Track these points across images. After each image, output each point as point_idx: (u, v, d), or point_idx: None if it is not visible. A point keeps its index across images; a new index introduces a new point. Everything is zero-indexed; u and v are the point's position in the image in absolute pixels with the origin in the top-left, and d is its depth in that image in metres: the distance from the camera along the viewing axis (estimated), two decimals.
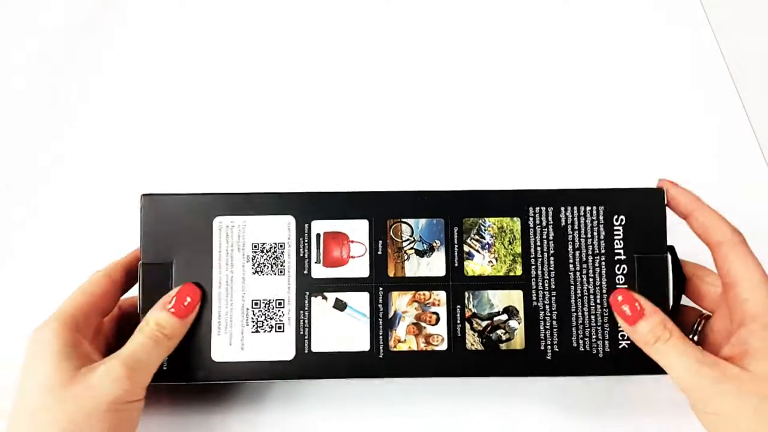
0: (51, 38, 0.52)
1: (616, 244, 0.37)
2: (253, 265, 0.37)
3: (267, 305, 0.37)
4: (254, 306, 0.37)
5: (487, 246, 0.37)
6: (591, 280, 0.37)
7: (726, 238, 0.35)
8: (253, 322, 0.37)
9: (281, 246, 0.37)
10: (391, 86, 0.51)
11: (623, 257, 0.37)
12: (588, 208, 0.37)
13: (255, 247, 0.37)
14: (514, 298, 0.37)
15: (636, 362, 0.36)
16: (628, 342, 0.36)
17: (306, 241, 0.37)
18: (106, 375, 0.32)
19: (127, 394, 0.32)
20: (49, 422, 0.31)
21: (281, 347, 0.36)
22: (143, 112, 0.50)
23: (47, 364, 0.32)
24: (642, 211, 0.37)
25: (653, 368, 0.36)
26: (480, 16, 0.53)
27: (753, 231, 0.44)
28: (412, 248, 0.37)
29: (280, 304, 0.37)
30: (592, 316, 0.37)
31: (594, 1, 0.52)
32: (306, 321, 0.37)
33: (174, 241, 0.37)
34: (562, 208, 0.37)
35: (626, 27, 0.51)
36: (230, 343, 0.36)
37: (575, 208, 0.37)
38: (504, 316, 0.37)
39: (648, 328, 0.33)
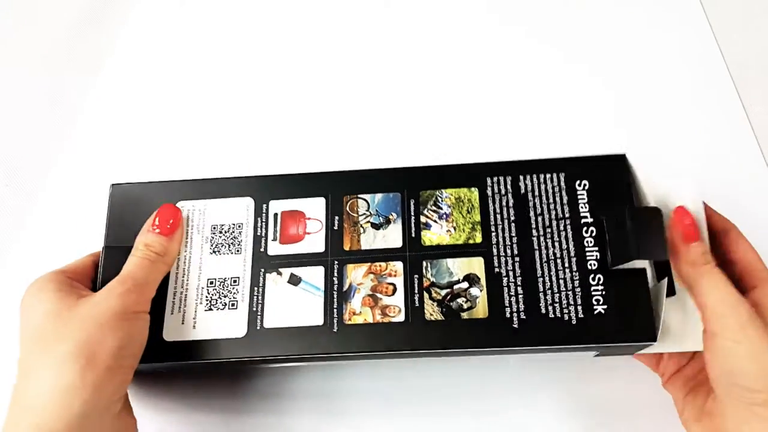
0: (51, 37, 0.53)
1: (581, 207, 0.35)
2: (211, 245, 0.37)
3: (222, 283, 0.36)
4: (209, 285, 0.36)
5: (444, 216, 0.36)
6: (557, 243, 0.35)
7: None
8: (206, 300, 0.36)
9: (239, 226, 0.37)
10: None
11: (590, 220, 0.35)
12: (548, 176, 0.36)
13: (214, 228, 0.37)
14: (475, 265, 0.35)
15: (613, 329, 0.33)
16: (605, 307, 0.33)
17: (264, 220, 0.37)
18: (109, 292, 0.33)
19: (134, 305, 0.33)
20: (62, 339, 0.31)
21: (233, 324, 0.35)
22: (140, 111, 0.51)
23: (49, 295, 0.33)
24: (606, 177, 0.36)
25: (632, 335, 0.32)
26: None
27: (752, 231, 0.42)
28: (368, 222, 0.37)
29: (235, 281, 0.36)
30: (561, 281, 0.34)
31: (594, 0, 0.52)
32: (260, 297, 0.35)
33: (137, 226, 0.38)
34: (521, 177, 0.36)
35: (626, 26, 0.51)
36: (182, 322, 0.35)
37: (535, 176, 0.36)
38: (465, 284, 0.34)
39: (702, 250, 0.32)
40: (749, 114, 0.46)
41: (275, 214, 0.37)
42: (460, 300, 0.34)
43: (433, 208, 0.36)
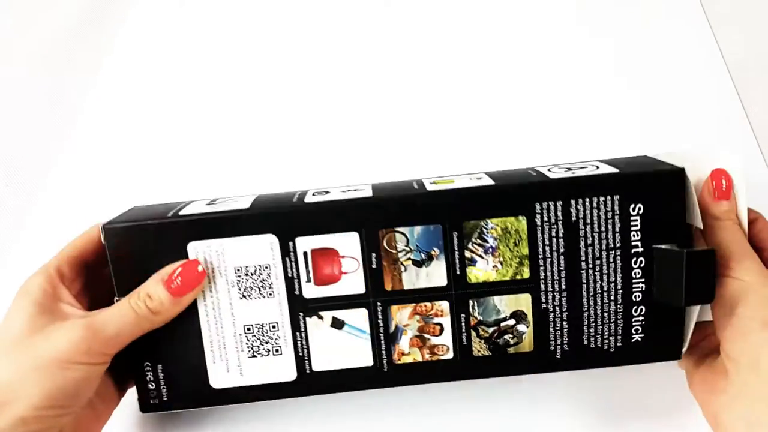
0: (51, 37, 0.51)
1: (633, 235, 0.34)
2: (239, 289, 0.34)
3: (260, 329, 0.35)
4: (247, 331, 0.35)
5: (490, 250, 0.34)
6: (605, 276, 0.34)
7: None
8: (248, 347, 0.35)
9: (266, 267, 0.34)
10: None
11: (640, 250, 0.34)
12: (602, 199, 0.33)
13: (238, 271, 0.34)
14: (522, 301, 0.34)
15: (645, 353, 0.35)
16: (642, 336, 0.35)
17: (293, 260, 0.34)
18: (65, 333, 0.31)
19: (82, 356, 0.31)
20: (2, 369, 0.31)
21: (282, 369, 0.35)
22: (140, 110, 0.49)
23: (22, 315, 0.32)
24: (661, 197, 0.33)
25: (660, 357, 0.35)
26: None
27: None
28: (408, 259, 0.34)
29: (273, 327, 0.35)
30: (605, 314, 0.34)
31: (592, 1, 0.50)
32: (304, 342, 0.35)
33: (149, 271, 0.34)
34: (573, 202, 0.33)
35: (625, 27, 0.49)
36: (228, 370, 0.35)
37: (587, 200, 0.33)
38: (512, 321, 0.35)
39: (728, 208, 0.34)
40: (749, 114, 0.45)
41: (305, 253, 0.34)
42: (506, 336, 0.35)
43: (478, 241, 0.34)
